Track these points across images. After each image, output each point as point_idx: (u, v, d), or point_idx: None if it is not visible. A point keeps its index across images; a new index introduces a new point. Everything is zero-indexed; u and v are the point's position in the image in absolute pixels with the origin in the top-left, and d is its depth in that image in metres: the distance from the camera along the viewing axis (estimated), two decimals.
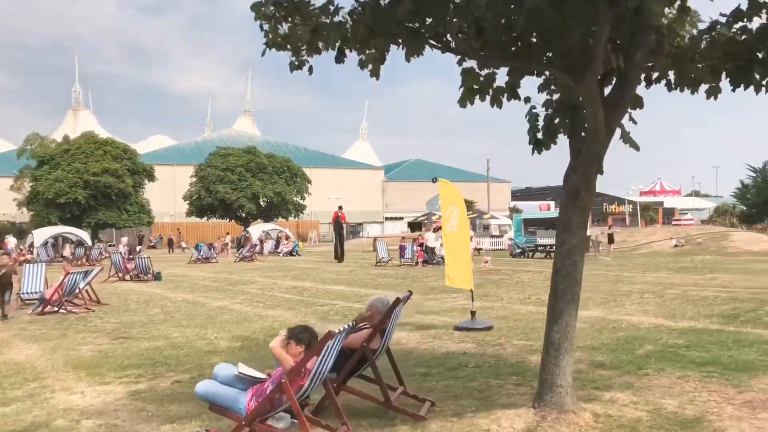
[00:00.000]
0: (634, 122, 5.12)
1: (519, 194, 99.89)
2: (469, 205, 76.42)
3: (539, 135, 5.15)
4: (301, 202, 57.68)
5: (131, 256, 25.63)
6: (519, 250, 32.90)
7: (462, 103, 4.75)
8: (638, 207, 63.05)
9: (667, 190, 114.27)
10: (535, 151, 5.19)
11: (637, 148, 4.90)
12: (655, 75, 5.14)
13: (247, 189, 52.79)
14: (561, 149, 5.13)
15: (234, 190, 52.52)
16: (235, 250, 38.92)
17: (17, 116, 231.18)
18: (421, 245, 27.85)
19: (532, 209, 64.01)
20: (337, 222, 31.95)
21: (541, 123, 5.14)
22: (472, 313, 9.96)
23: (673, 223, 62.90)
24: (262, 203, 54.53)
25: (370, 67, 4.68)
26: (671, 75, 5.05)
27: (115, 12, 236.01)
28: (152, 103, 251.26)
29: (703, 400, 5.66)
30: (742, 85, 4.67)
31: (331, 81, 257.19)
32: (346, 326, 4.78)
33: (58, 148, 48.32)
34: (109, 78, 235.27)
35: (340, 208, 32.22)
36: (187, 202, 54.76)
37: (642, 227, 61.48)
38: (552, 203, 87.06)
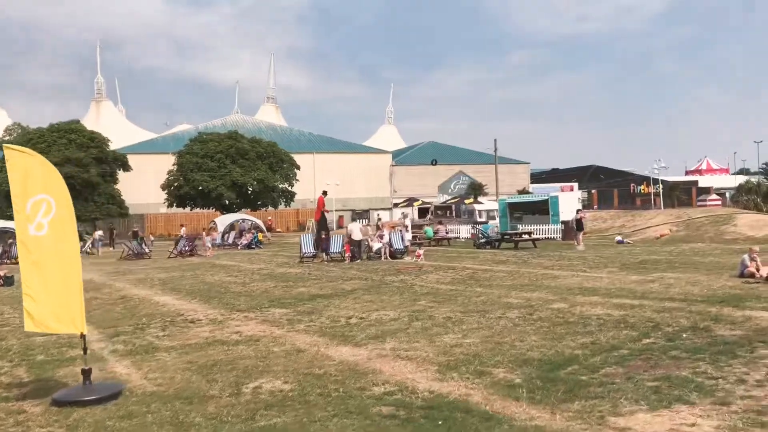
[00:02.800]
0: None
1: (545, 176, 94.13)
2: (479, 188, 71.55)
3: None
4: (290, 188, 54.04)
5: None
6: (483, 239, 28.50)
7: None
8: (660, 187, 56.37)
9: (715, 168, 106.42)
10: None
11: None
12: None
13: (226, 176, 49.38)
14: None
15: (212, 177, 49.19)
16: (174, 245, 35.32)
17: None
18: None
19: (553, 191, 58.89)
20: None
21: None
22: (85, 373, 6.10)
23: (698, 204, 56.84)
24: (247, 191, 51.13)
25: None
26: None
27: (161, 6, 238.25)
28: (192, 94, 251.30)
29: None
30: None
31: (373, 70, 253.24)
32: None
33: (20, 139, 45.93)
34: (151, 71, 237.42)
35: (325, 193, 27.72)
36: (165, 192, 51.81)
37: (670, 209, 55.47)
38: (576, 185, 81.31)
